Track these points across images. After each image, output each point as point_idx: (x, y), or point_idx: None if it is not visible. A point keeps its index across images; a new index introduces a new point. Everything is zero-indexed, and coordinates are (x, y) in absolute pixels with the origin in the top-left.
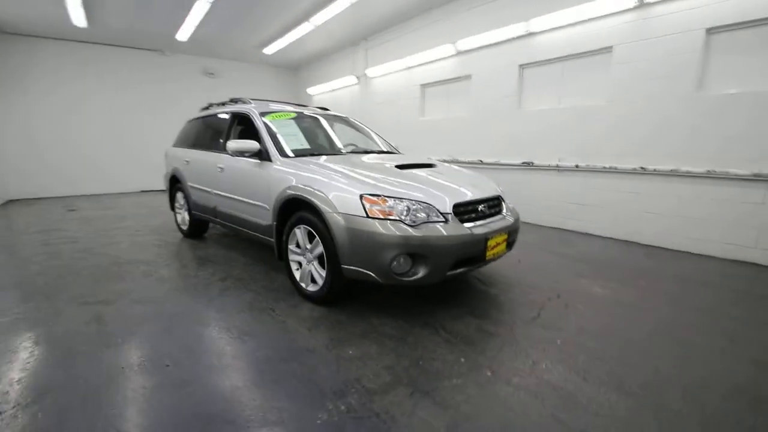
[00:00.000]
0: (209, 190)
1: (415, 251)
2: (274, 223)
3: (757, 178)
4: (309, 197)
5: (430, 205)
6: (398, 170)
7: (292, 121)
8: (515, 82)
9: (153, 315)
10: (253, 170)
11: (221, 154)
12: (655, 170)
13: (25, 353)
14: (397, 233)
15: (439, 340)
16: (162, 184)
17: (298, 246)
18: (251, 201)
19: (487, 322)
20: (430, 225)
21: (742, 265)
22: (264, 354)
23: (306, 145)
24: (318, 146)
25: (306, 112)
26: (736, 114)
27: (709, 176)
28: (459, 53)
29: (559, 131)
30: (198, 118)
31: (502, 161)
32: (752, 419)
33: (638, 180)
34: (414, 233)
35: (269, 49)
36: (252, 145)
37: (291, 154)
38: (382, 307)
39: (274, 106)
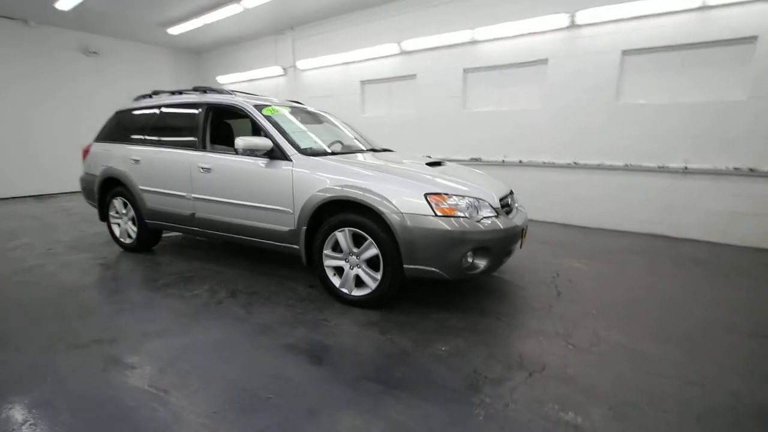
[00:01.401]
0: (182, 194)
1: (483, 245)
2: (304, 228)
3: (662, 170)
4: (362, 198)
5: (484, 200)
6: (432, 168)
7: (291, 116)
8: (460, 84)
9: (187, 350)
10: (263, 171)
11: (204, 153)
12: (585, 164)
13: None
14: (469, 229)
15: (504, 325)
16: (64, 186)
17: (335, 250)
18: (264, 205)
19: (524, 303)
20: (489, 219)
21: (655, 237)
22: (364, 371)
23: (319, 143)
24: (328, 144)
25: (286, 106)
26: (645, 119)
27: (627, 169)
28: (404, 53)
29: (502, 131)
30: (144, 109)
31: (452, 157)
32: (749, 344)
33: (571, 172)
34: (483, 228)
35: (175, 29)
36: (265, 142)
37: (312, 152)
38: (426, 303)
39: (253, 99)
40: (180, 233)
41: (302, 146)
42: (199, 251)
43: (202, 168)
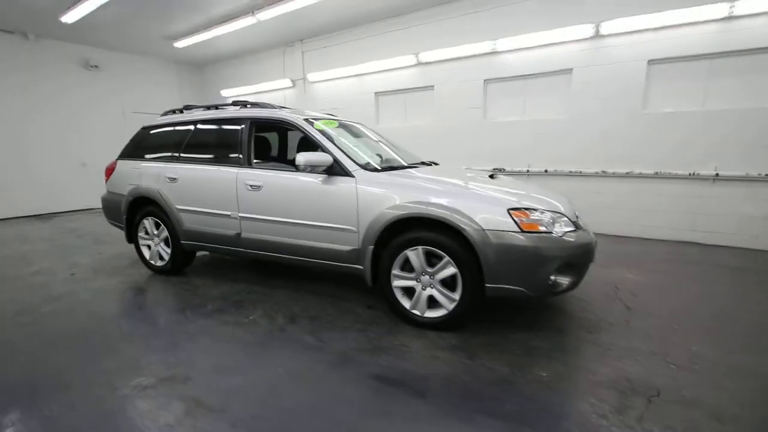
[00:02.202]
0: (227, 213)
1: (568, 261)
2: (371, 247)
3: (694, 177)
4: (443, 216)
5: (563, 214)
6: (497, 181)
7: (342, 130)
8: (480, 94)
9: (272, 386)
10: (322, 188)
11: (253, 170)
12: (613, 173)
13: None
14: (555, 245)
15: (591, 344)
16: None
17: (403, 270)
18: (323, 224)
19: (598, 319)
20: (571, 233)
21: (688, 244)
22: (473, 404)
23: (373, 157)
24: (381, 158)
25: (330, 120)
26: (673, 128)
27: (657, 177)
28: (420, 63)
29: (526, 140)
30: (176, 125)
31: (474, 167)
32: None
33: (599, 181)
34: (567, 243)
35: (182, 43)
36: (325, 158)
37: (373, 167)
38: (495, 321)
39: (291, 113)
40: (208, 252)
41: (360, 161)
42: (231, 271)
43: (251, 185)
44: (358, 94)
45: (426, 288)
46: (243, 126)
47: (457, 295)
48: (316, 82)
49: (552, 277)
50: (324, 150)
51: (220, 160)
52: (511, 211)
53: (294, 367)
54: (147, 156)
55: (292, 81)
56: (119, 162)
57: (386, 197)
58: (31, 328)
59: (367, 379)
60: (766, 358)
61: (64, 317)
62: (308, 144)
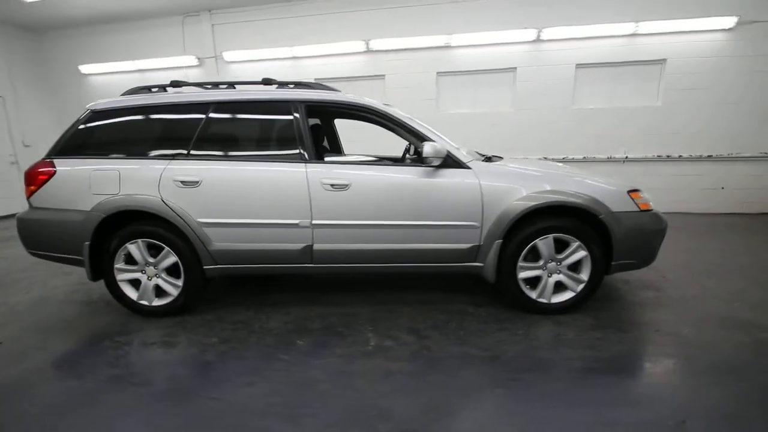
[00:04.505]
0: (293, 222)
1: (663, 234)
2: (498, 241)
3: (610, 160)
4: (580, 203)
5: None
6: (575, 167)
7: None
8: (433, 86)
9: (491, 422)
10: (434, 182)
11: (329, 166)
12: (552, 159)
13: None
14: (662, 220)
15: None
16: None
17: (526, 260)
18: (440, 222)
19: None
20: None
21: None
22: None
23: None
24: None
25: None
26: (594, 121)
27: (584, 161)
28: (370, 51)
29: (478, 132)
30: (172, 109)
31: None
32: None
33: None
34: (664, 218)
35: None
36: (443, 149)
37: (485, 158)
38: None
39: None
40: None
41: (466, 151)
42: (236, 293)
43: (333, 185)
44: (291, 80)
45: (552, 275)
46: (297, 112)
47: (585, 276)
48: (234, 62)
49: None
50: (425, 139)
51: (268, 155)
52: (630, 193)
53: (500, 385)
54: (117, 154)
55: (199, 59)
56: (60, 162)
57: (512, 189)
58: None
59: (576, 373)
60: None
61: None
62: (328, 134)
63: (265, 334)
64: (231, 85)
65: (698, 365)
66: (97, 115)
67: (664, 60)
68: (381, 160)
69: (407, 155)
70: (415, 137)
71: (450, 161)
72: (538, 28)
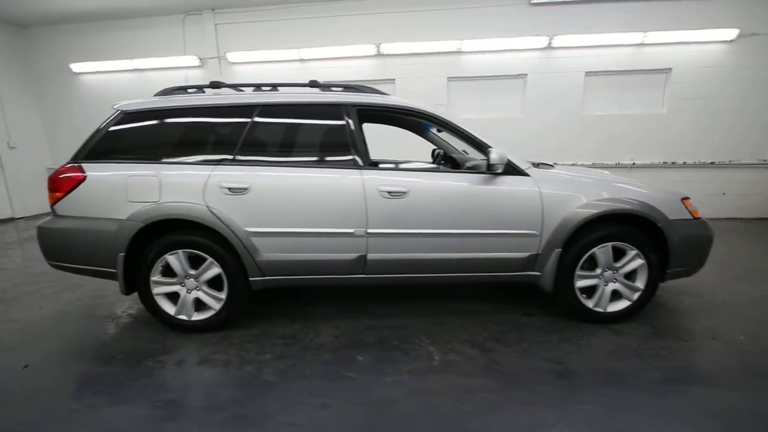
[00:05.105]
0: (348, 231)
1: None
2: (558, 250)
3: (619, 166)
4: (640, 211)
5: None
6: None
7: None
8: (444, 91)
9: None
10: (494, 190)
11: (383, 172)
12: (562, 164)
13: None
14: (710, 227)
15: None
16: None
17: (585, 268)
18: (499, 231)
19: None
20: None
21: None
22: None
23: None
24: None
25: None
26: (603, 127)
27: (594, 167)
28: (381, 55)
29: (487, 136)
30: (214, 112)
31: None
32: None
33: None
34: (710, 225)
35: None
36: (504, 155)
37: (537, 164)
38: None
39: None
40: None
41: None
42: (282, 306)
43: (390, 192)
44: (298, 82)
45: (608, 283)
46: (349, 116)
47: (641, 284)
48: (239, 63)
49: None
50: (481, 146)
51: (320, 161)
52: (683, 201)
53: (586, 400)
54: (154, 158)
55: (201, 59)
56: (90, 167)
57: (572, 197)
58: None
59: (656, 385)
60: None
61: None
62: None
63: (320, 349)
64: (274, 87)
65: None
66: (129, 116)
67: (670, 69)
68: (436, 167)
69: (440, 161)
70: (472, 143)
71: (509, 168)
72: (550, 35)
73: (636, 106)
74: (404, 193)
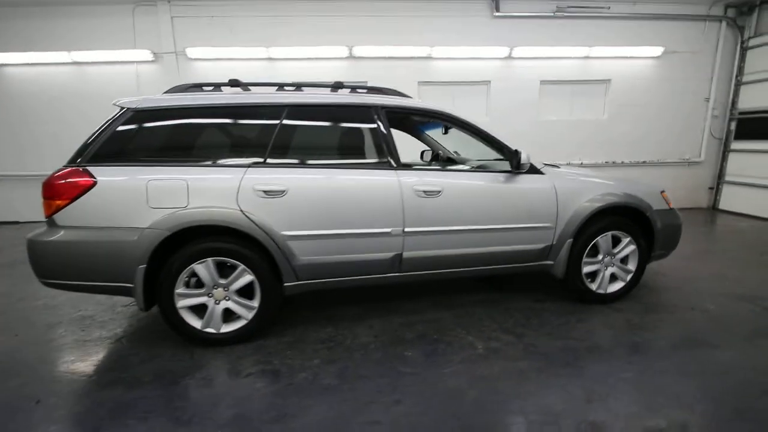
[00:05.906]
0: (385, 231)
1: None
2: (569, 240)
3: (569, 165)
4: (634, 203)
5: None
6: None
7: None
8: (415, 95)
9: None
10: (517, 188)
11: (418, 172)
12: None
13: None
14: (681, 216)
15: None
16: None
17: (589, 255)
18: (520, 225)
19: None
20: None
21: None
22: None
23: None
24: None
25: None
26: (555, 131)
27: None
28: (353, 57)
29: (455, 139)
30: (241, 112)
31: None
32: None
33: None
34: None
35: None
36: (528, 156)
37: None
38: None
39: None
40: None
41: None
42: (303, 310)
43: (426, 191)
44: (265, 81)
45: (607, 268)
46: (379, 118)
47: (632, 267)
48: (199, 59)
49: None
50: (500, 146)
51: (355, 162)
52: (662, 193)
53: (623, 369)
54: (174, 161)
55: (155, 54)
56: (99, 170)
57: (581, 192)
58: None
59: (671, 350)
60: None
61: None
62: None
63: (365, 349)
64: (297, 87)
65: (744, 332)
66: (139, 115)
67: (610, 80)
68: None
69: (430, 161)
70: (493, 144)
71: (530, 167)
72: (510, 46)
73: (583, 112)
74: (439, 192)
